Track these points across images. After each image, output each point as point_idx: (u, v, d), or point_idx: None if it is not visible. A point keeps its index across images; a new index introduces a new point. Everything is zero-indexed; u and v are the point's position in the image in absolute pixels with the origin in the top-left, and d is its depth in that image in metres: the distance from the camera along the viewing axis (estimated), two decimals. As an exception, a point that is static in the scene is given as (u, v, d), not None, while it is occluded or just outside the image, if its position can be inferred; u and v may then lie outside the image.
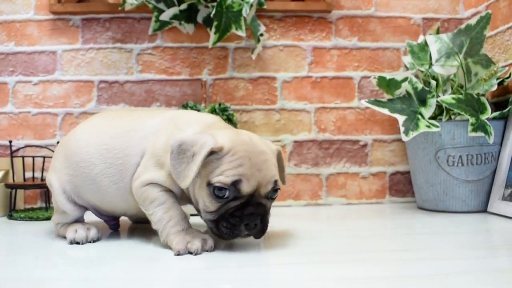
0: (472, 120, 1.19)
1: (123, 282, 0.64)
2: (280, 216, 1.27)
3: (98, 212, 1.00)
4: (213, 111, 1.32)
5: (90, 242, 0.91)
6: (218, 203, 0.79)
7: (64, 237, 0.93)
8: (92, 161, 0.92)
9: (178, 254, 0.79)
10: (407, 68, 1.49)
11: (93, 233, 0.92)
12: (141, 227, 1.09)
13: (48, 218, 1.22)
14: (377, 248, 0.85)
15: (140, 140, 0.90)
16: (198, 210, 0.87)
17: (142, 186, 0.86)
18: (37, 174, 1.43)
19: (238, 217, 0.78)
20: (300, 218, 1.26)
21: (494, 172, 1.28)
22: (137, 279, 0.66)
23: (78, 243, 0.89)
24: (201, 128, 0.87)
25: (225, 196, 0.78)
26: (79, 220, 0.99)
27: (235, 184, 0.77)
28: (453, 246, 0.85)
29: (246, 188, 0.78)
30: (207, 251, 0.81)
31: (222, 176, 0.77)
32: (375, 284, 0.61)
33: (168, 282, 0.65)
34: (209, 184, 0.78)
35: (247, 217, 0.78)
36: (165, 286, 0.62)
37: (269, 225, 0.83)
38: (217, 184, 0.77)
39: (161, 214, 0.84)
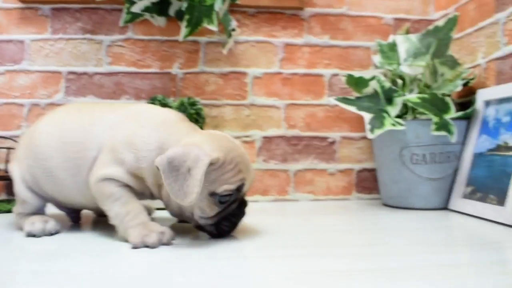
0: (435, 119, 1.21)
1: (75, 275, 0.63)
2: (247, 211, 1.27)
3: (57, 204, 0.99)
4: (181, 105, 1.32)
5: (47, 235, 0.90)
6: (220, 208, 0.84)
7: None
8: (51, 154, 0.91)
9: (135, 248, 0.78)
10: (377, 67, 1.51)
11: (50, 226, 0.91)
12: (104, 220, 1.08)
13: (10, 211, 1.20)
14: (341, 243, 0.86)
15: (99, 134, 0.89)
16: (177, 214, 0.89)
17: (98, 181, 0.85)
18: (1, 166, 1.41)
19: (238, 214, 0.88)
20: (267, 213, 1.27)
21: (456, 171, 1.31)
22: (90, 272, 0.65)
23: (34, 235, 0.88)
24: (164, 126, 0.87)
25: (228, 201, 0.84)
26: (39, 212, 0.98)
27: (239, 188, 0.84)
28: (413, 241, 0.87)
29: (245, 189, 0.87)
30: (166, 244, 0.81)
31: (228, 184, 0.82)
32: (339, 277, 0.62)
33: (122, 275, 0.64)
34: (213, 194, 0.82)
35: (242, 212, 0.89)
36: (117, 279, 0.62)
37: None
38: (225, 193, 0.82)
39: (117, 209, 0.84)
